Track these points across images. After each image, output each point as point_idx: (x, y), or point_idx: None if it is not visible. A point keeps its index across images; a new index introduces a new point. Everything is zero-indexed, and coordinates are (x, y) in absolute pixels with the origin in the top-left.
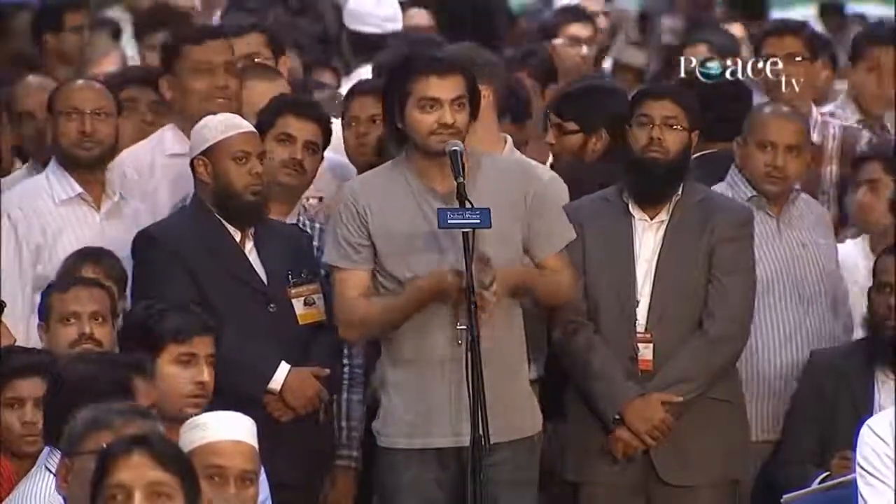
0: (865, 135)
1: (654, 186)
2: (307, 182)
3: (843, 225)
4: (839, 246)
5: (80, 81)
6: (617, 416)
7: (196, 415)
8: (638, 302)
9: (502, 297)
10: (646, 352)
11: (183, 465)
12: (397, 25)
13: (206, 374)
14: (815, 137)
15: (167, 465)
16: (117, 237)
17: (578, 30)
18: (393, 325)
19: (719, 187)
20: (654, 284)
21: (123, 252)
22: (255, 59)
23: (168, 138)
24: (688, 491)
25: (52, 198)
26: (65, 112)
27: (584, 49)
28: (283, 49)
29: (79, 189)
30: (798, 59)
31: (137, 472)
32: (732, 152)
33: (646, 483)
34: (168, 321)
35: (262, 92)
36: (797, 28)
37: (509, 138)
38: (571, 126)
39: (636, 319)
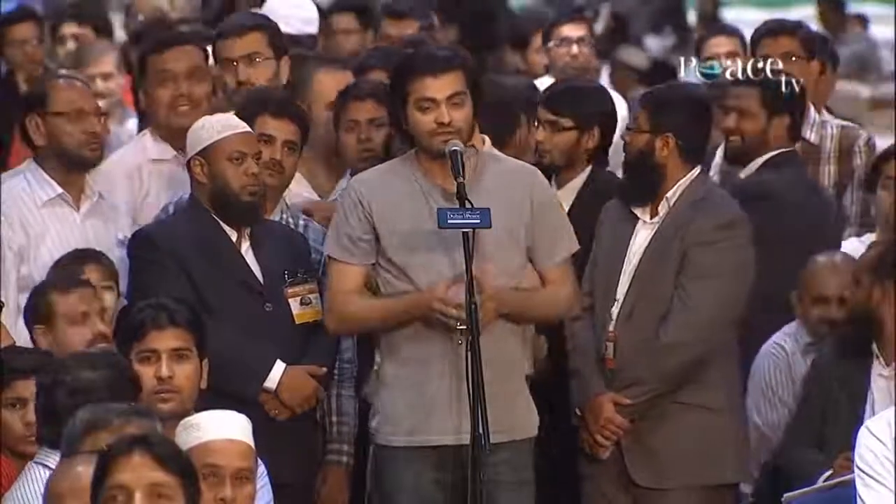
0: (863, 134)
1: (624, 186)
2: (287, 181)
3: (842, 225)
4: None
5: (78, 83)
6: (578, 413)
7: (167, 410)
8: (616, 301)
9: (492, 321)
10: (610, 350)
11: (183, 466)
12: (313, 28)
13: (166, 369)
14: (812, 137)
15: (168, 466)
16: (98, 237)
17: (570, 30)
18: (377, 328)
19: (789, 327)
20: (629, 285)
21: (106, 251)
22: (256, 59)
23: (149, 143)
24: (660, 493)
25: (34, 200)
26: (68, 113)
27: (575, 48)
28: (285, 49)
29: (59, 190)
30: (794, 58)
31: (138, 472)
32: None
33: (626, 483)
34: (129, 319)
35: (330, 84)
36: (792, 28)
37: (487, 138)
38: (567, 122)
39: (611, 318)
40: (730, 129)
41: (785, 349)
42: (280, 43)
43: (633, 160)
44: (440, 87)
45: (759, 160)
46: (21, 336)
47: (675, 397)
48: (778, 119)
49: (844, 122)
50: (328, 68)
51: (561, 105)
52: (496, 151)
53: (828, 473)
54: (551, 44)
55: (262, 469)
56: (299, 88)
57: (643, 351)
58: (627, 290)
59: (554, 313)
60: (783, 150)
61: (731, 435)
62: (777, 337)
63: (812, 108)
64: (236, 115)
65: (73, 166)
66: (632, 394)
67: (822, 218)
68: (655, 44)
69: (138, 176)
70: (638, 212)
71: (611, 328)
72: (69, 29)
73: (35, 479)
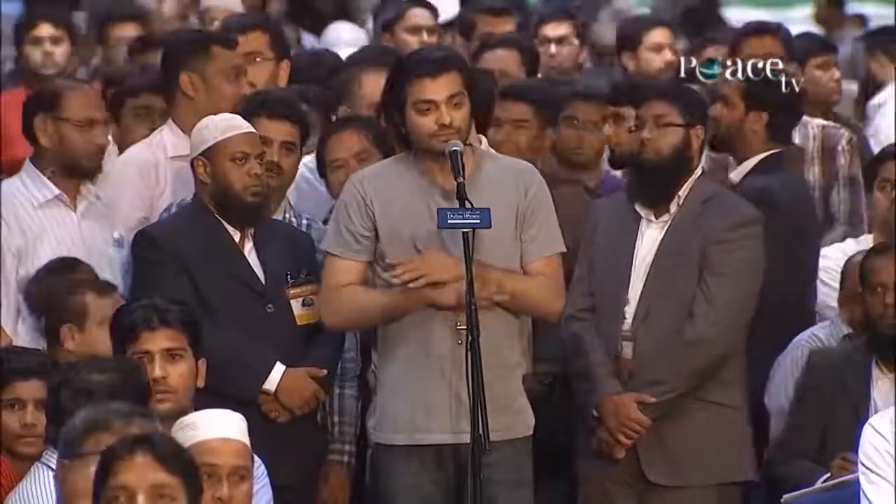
0: (846, 134)
1: (646, 186)
2: (287, 181)
3: (829, 226)
4: (824, 250)
5: (91, 92)
6: (595, 415)
7: (163, 410)
8: (628, 300)
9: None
10: (627, 350)
11: (185, 466)
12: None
13: (159, 369)
14: (796, 139)
15: (170, 466)
16: (94, 237)
17: (551, 30)
18: (376, 321)
19: (823, 324)
20: (644, 284)
21: (102, 251)
22: (256, 59)
23: (168, 140)
24: (675, 491)
25: (31, 201)
26: (79, 121)
27: (553, 48)
28: (287, 51)
29: (56, 191)
30: (774, 60)
31: (140, 473)
32: (793, 153)
33: (637, 482)
34: (122, 321)
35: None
36: (775, 29)
37: (484, 139)
38: (628, 112)
39: (624, 318)
40: (713, 117)
41: (821, 339)
42: (281, 45)
43: (667, 158)
44: (439, 88)
45: (749, 163)
46: (21, 337)
47: (695, 395)
48: (755, 114)
49: (826, 123)
50: (373, 70)
51: (621, 97)
52: (492, 150)
53: (826, 475)
54: (535, 43)
55: (261, 469)
56: (342, 90)
57: (666, 349)
58: (642, 290)
59: (541, 299)
60: (771, 152)
61: (747, 432)
62: (815, 329)
63: None
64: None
65: (71, 173)
66: (655, 392)
67: (806, 220)
68: None
69: (154, 173)
70: (642, 211)
71: (626, 328)
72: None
73: (41, 479)
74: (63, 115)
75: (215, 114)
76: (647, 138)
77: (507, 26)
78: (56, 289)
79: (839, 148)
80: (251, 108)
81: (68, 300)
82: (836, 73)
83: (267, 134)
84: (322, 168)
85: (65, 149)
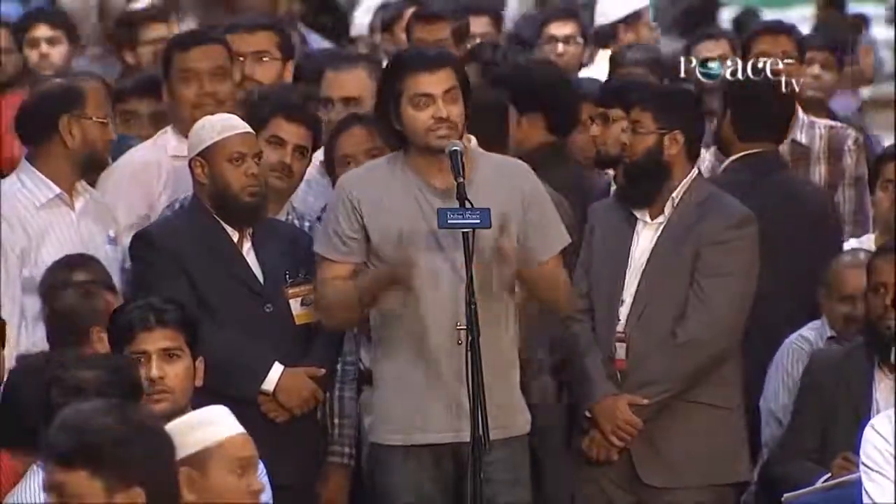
0: (852, 134)
1: (629, 188)
2: (295, 185)
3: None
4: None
5: (94, 83)
6: (588, 416)
7: (161, 410)
8: (623, 301)
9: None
10: (620, 351)
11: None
12: None
13: (156, 370)
14: (802, 139)
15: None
16: (91, 235)
17: (556, 28)
18: (355, 309)
19: (814, 322)
20: (638, 285)
21: (99, 249)
22: (264, 58)
23: (171, 140)
24: (670, 493)
25: (34, 202)
26: (102, 118)
27: (560, 47)
28: (292, 53)
29: (57, 190)
30: (789, 60)
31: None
32: (774, 153)
33: (632, 483)
34: (119, 321)
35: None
36: (790, 29)
37: (473, 138)
38: (617, 113)
39: (618, 319)
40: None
41: (809, 340)
42: (288, 46)
43: (640, 162)
44: (436, 82)
45: (724, 164)
46: (24, 339)
47: (688, 396)
48: (730, 114)
49: (833, 123)
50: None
51: (608, 99)
52: (481, 150)
53: (826, 476)
54: (540, 42)
55: (260, 468)
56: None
57: (659, 351)
58: (636, 291)
59: (559, 295)
60: (745, 153)
61: (742, 433)
62: (803, 330)
63: (800, 111)
64: (251, 112)
65: (91, 170)
66: (648, 393)
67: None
68: (665, 45)
69: (157, 172)
70: (637, 213)
71: (619, 329)
72: (42, 32)
73: (36, 482)
74: (88, 113)
75: (190, 118)
76: (624, 143)
77: (441, 33)
78: (52, 285)
79: (845, 148)
80: (271, 108)
81: (57, 300)
82: (816, 70)
83: (283, 136)
84: (330, 165)
85: (93, 147)
